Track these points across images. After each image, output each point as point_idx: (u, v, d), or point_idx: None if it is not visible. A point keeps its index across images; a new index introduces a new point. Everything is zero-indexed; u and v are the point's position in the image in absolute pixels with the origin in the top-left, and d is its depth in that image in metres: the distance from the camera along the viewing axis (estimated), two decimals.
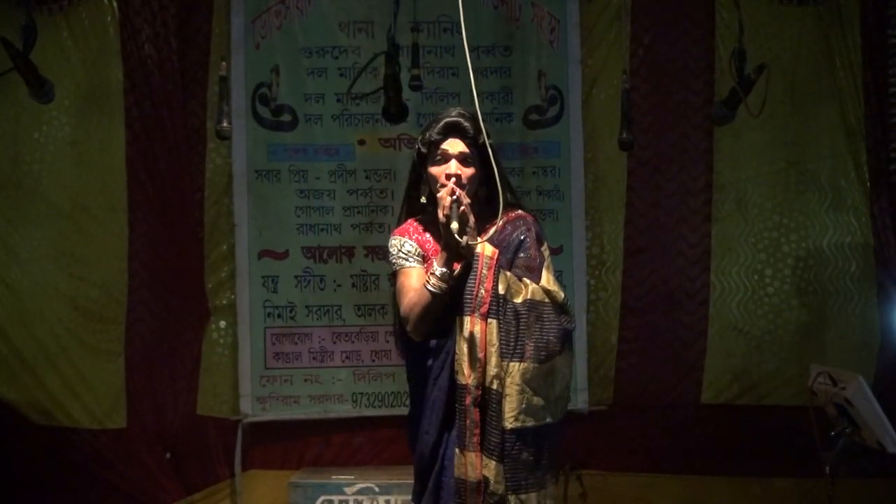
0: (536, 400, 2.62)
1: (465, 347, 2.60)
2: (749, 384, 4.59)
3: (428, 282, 2.63)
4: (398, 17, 3.87)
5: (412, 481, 2.85)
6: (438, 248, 2.69)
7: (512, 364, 2.61)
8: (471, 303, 2.61)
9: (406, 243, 2.78)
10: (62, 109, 4.40)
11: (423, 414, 2.72)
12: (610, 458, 4.59)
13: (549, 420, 2.67)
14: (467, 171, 2.70)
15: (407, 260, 2.77)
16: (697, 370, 4.60)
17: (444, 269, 2.62)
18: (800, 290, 4.59)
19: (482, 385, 2.59)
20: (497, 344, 2.60)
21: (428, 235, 2.79)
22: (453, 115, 2.75)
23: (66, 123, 4.44)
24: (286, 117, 4.55)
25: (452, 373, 2.65)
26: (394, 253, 2.79)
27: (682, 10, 4.61)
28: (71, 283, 4.43)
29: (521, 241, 2.75)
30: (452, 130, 2.72)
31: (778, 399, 4.54)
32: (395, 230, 2.85)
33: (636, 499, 4.61)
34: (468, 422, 2.59)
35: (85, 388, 4.42)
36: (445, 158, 2.71)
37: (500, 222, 2.64)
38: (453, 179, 2.67)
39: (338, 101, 4.55)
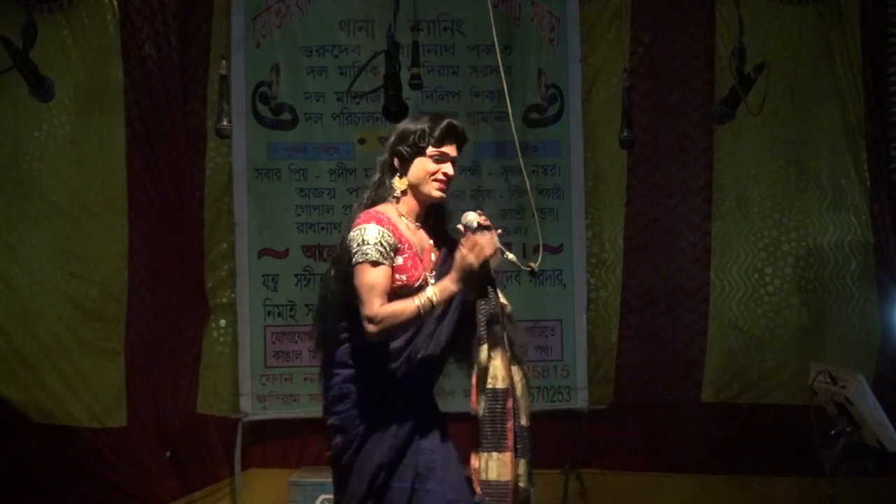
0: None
1: (499, 357, 2.63)
2: (749, 383, 4.59)
3: (432, 300, 2.59)
4: (398, 15, 3.88)
5: None
6: (410, 242, 2.69)
7: (518, 368, 2.70)
8: (498, 316, 2.65)
9: (386, 234, 2.62)
10: (62, 108, 4.40)
11: (389, 414, 2.70)
12: (610, 456, 4.59)
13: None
14: (453, 174, 2.78)
15: (383, 256, 2.60)
16: (697, 369, 4.61)
17: (454, 291, 2.61)
18: (800, 289, 4.59)
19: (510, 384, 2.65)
20: (509, 351, 2.67)
21: (402, 227, 2.72)
22: (454, 120, 2.79)
23: (67, 122, 4.44)
24: (286, 116, 4.55)
25: (413, 374, 2.65)
26: (371, 242, 2.60)
27: (682, 8, 4.61)
28: (71, 282, 4.43)
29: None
30: (454, 134, 2.77)
31: (778, 397, 4.55)
32: (370, 216, 2.67)
33: (636, 497, 4.61)
34: (506, 424, 2.62)
35: (85, 386, 4.42)
36: (444, 159, 2.74)
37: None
38: (482, 216, 2.71)
39: (338, 99, 4.55)
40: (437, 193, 2.71)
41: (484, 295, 2.66)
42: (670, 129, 4.62)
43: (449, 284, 2.60)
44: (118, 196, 4.46)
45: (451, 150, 2.75)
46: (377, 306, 2.56)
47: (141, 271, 4.49)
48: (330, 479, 2.82)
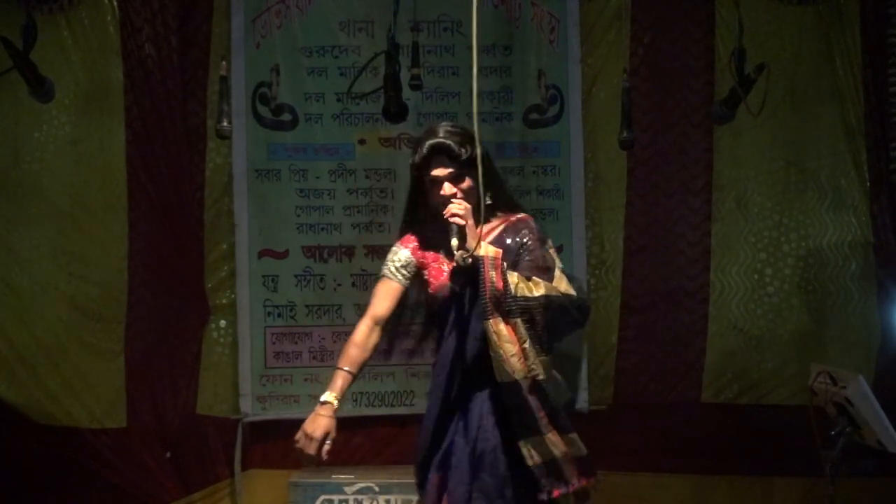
0: (561, 383, 2.84)
1: (499, 349, 2.73)
2: (749, 383, 4.59)
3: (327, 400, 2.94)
4: (398, 16, 3.87)
5: (412, 481, 2.90)
6: (438, 256, 2.89)
7: (542, 357, 2.77)
8: (488, 306, 2.73)
9: (401, 252, 2.94)
10: (62, 108, 4.40)
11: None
12: (610, 457, 4.57)
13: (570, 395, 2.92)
14: (463, 185, 2.81)
15: (391, 271, 2.94)
16: (697, 369, 4.61)
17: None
18: (800, 290, 4.59)
19: (530, 376, 2.74)
20: (530, 339, 2.74)
21: (428, 246, 2.93)
22: (437, 136, 2.82)
23: (67, 122, 4.44)
24: (286, 117, 4.55)
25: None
26: (386, 260, 2.97)
27: (681, 9, 4.61)
28: (71, 283, 4.43)
29: (524, 244, 2.80)
30: (437, 153, 2.80)
31: (778, 398, 4.55)
32: (401, 238, 3.00)
33: (636, 498, 4.61)
34: (530, 411, 2.75)
35: (85, 387, 4.42)
36: (437, 182, 2.81)
37: (498, 229, 2.85)
38: (456, 197, 2.80)
39: (338, 100, 4.55)
40: (449, 217, 2.73)
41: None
42: (670, 130, 4.62)
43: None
44: (118, 197, 4.46)
45: (439, 171, 2.80)
46: (365, 316, 2.97)
47: (141, 272, 4.49)
48: (329, 480, 2.86)
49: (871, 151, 4.54)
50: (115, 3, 4.42)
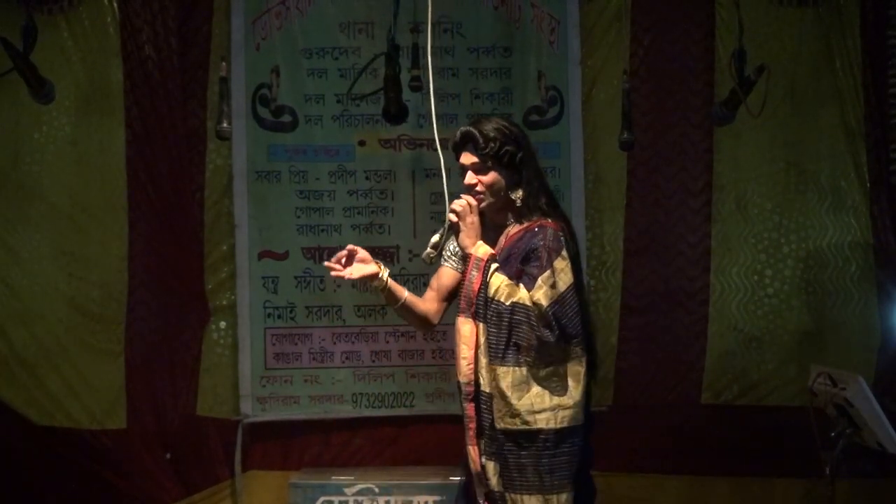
0: (522, 404, 2.71)
1: (459, 346, 2.77)
2: (749, 384, 4.59)
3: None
4: (398, 17, 3.88)
5: (412, 482, 2.92)
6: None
7: (496, 367, 2.73)
8: (462, 303, 2.79)
9: (450, 244, 2.96)
10: (62, 110, 4.40)
11: None
12: (610, 458, 4.56)
13: (542, 426, 2.71)
14: (485, 178, 2.85)
15: (444, 258, 3.00)
16: (697, 371, 4.61)
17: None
18: (800, 291, 4.60)
19: (476, 383, 2.74)
20: (486, 345, 2.73)
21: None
22: (466, 126, 2.89)
23: (67, 124, 4.44)
24: (286, 118, 4.55)
25: None
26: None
27: (681, 10, 4.61)
28: (71, 284, 4.43)
29: (534, 250, 2.79)
30: (466, 141, 2.86)
31: (778, 399, 4.55)
32: None
33: (636, 499, 4.61)
34: (465, 417, 2.78)
35: (85, 388, 4.42)
36: (463, 170, 2.87)
37: (520, 233, 2.86)
38: (476, 188, 2.86)
39: (338, 101, 4.55)
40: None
41: None
42: (670, 131, 4.62)
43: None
44: (118, 198, 4.46)
45: (465, 159, 2.86)
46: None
47: (141, 273, 4.49)
48: (329, 481, 2.87)
49: (871, 153, 4.54)
50: (115, 5, 4.42)
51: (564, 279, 2.76)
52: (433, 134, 3.11)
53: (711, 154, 4.60)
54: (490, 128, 2.86)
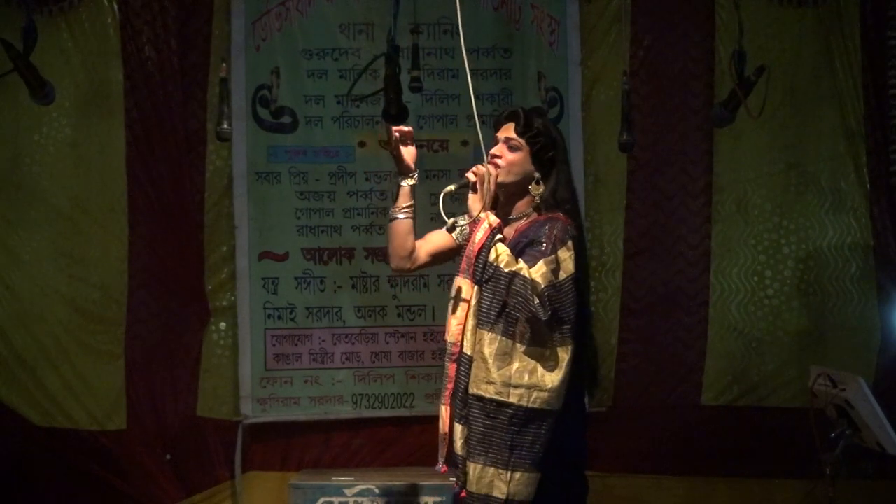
0: (499, 375, 2.70)
1: (451, 305, 2.80)
2: (749, 386, 4.59)
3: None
4: (398, 18, 3.87)
5: (412, 482, 2.90)
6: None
7: (483, 332, 2.74)
8: (462, 263, 2.82)
9: (463, 218, 2.99)
10: (62, 111, 4.41)
11: None
12: (610, 459, 4.58)
13: (514, 401, 2.69)
14: (510, 156, 2.89)
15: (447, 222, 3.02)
16: (697, 372, 4.61)
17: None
18: (800, 292, 4.59)
19: (460, 344, 2.76)
20: (476, 308, 2.75)
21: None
22: (521, 107, 2.98)
23: (67, 125, 4.44)
24: (286, 119, 4.55)
25: None
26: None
27: (681, 11, 4.62)
28: (71, 285, 4.44)
29: (539, 238, 2.79)
30: (511, 118, 2.95)
31: (778, 400, 4.55)
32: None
33: (636, 500, 4.61)
34: (444, 377, 2.81)
35: (85, 389, 4.42)
36: (496, 141, 2.94)
37: (530, 222, 2.86)
38: (499, 159, 2.90)
39: (338, 102, 4.55)
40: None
41: None
42: (670, 133, 4.63)
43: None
44: (118, 199, 4.46)
45: (503, 131, 2.94)
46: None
47: (141, 274, 4.49)
48: (330, 482, 2.86)
49: (871, 154, 4.55)
50: (115, 6, 4.42)
51: (565, 269, 2.75)
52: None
53: (711, 155, 4.60)
54: (537, 117, 2.94)
